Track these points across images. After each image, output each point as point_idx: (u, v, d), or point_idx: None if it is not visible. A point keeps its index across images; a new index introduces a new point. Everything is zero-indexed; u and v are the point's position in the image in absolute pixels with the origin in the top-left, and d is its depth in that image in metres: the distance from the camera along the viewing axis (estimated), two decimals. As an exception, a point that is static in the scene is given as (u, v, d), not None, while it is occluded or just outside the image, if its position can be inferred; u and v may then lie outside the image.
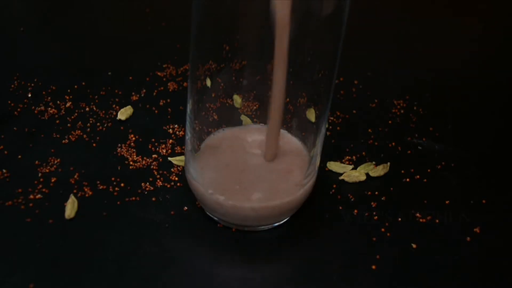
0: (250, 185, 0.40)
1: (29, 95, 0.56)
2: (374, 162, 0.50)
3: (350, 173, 0.48)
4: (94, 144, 0.50)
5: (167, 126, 0.53)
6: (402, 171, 0.50)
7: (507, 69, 0.74)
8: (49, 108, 0.54)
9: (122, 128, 0.52)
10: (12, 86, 0.57)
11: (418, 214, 0.45)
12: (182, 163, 0.48)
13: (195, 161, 0.41)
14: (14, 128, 0.51)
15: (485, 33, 0.84)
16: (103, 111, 0.54)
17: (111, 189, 0.45)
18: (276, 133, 0.39)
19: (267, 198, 0.39)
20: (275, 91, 0.37)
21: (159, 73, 0.62)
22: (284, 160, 0.41)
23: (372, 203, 0.46)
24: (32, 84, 0.57)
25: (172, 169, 0.47)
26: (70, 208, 0.42)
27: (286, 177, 0.41)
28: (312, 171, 0.41)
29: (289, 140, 0.43)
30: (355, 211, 0.45)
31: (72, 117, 0.53)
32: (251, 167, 0.41)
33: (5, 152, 0.47)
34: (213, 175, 0.40)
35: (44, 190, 0.44)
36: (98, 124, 0.52)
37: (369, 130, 0.55)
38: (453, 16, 0.89)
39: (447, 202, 0.47)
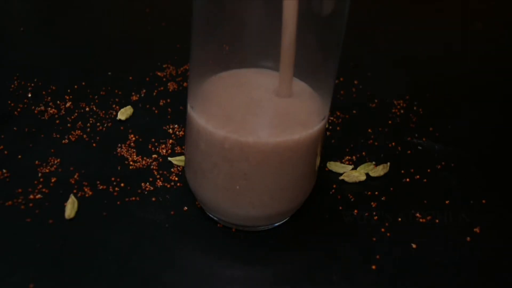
0: (261, 118, 0.38)
1: (29, 95, 0.56)
2: (374, 162, 0.50)
3: (350, 173, 0.48)
4: (94, 144, 0.50)
5: (167, 126, 0.53)
6: (402, 171, 0.50)
7: (507, 69, 0.74)
8: (49, 108, 0.54)
9: (122, 128, 0.52)
10: (12, 86, 0.57)
11: (418, 214, 0.45)
12: (182, 163, 0.48)
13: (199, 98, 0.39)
14: (14, 128, 0.51)
15: (486, 32, 0.84)
16: (103, 111, 0.54)
17: (111, 189, 0.45)
18: (290, 62, 0.36)
19: (282, 131, 0.37)
20: (286, 15, 0.34)
21: (159, 73, 0.62)
22: (295, 97, 0.39)
23: (372, 203, 0.46)
24: (32, 84, 0.57)
25: (172, 169, 0.47)
26: (70, 208, 0.42)
27: (299, 113, 0.38)
28: (325, 112, 0.39)
29: (298, 83, 0.40)
30: (355, 211, 0.45)
31: (72, 117, 0.53)
32: (262, 102, 0.39)
33: (5, 152, 0.47)
34: (220, 111, 0.38)
35: (44, 190, 0.44)
36: (98, 124, 0.52)
37: (369, 130, 0.55)
38: (453, 17, 0.89)
39: (447, 202, 0.47)
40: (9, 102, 0.54)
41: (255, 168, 0.37)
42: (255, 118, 0.38)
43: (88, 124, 0.52)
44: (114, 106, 0.55)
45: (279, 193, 0.39)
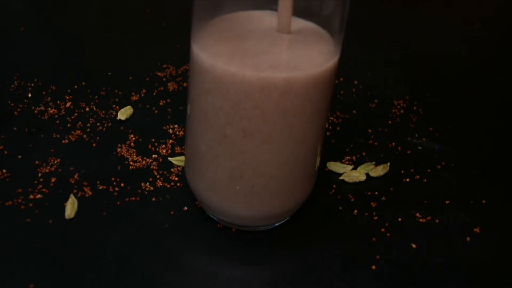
0: (266, 54, 0.35)
1: (29, 95, 0.56)
2: (374, 162, 0.50)
3: (350, 173, 0.48)
4: (94, 144, 0.50)
5: (167, 126, 0.53)
6: (402, 171, 0.50)
7: (507, 68, 0.74)
8: (49, 108, 0.54)
9: (122, 128, 0.52)
10: (12, 86, 0.57)
11: (418, 214, 0.45)
12: (182, 163, 0.48)
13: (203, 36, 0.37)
14: (14, 128, 0.51)
15: (486, 32, 0.84)
16: (103, 111, 0.54)
17: (111, 189, 0.45)
18: None
19: (294, 67, 0.35)
20: None
21: (159, 73, 0.62)
22: (303, 33, 0.37)
23: (372, 203, 0.46)
24: (32, 84, 0.57)
25: (172, 169, 0.47)
26: (70, 208, 0.42)
27: (309, 48, 0.36)
28: (336, 50, 0.37)
29: (305, 23, 0.38)
30: (355, 211, 0.45)
31: (72, 117, 0.53)
32: (267, 38, 0.37)
33: (5, 152, 0.47)
34: (224, 48, 0.36)
35: (44, 190, 0.44)
36: (98, 124, 0.52)
37: (369, 130, 0.55)
38: (453, 16, 0.89)
39: (447, 202, 0.47)
40: (9, 102, 0.54)
41: (258, 148, 0.36)
42: (260, 54, 0.35)
43: (88, 124, 0.52)
44: (114, 106, 0.55)
45: (279, 192, 0.39)
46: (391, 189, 0.48)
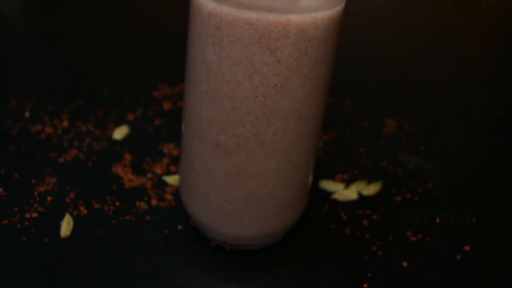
0: None
1: (26, 115, 0.56)
2: (366, 181, 0.51)
3: (342, 192, 0.49)
4: (89, 163, 0.50)
5: (162, 146, 0.54)
6: (394, 190, 0.50)
7: (497, 87, 0.75)
8: (46, 127, 0.54)
9: (117, 147, 0.53)
10: (10, 104, 0.58)
11: (409, 233, 0.46)
12: (176, 182, 0.48)
13: None
14: (12, 147, 0.51)
15: (477, 52, 0.85)
16: (99, 130, 0.55)
17: (106, 208, 0.45)
18: None
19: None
20: None
21: (154, 93, 0.63)
22: None
23: (364, 222, 0.46)
24: (30, 103, 0.58)
25: (166, 188, 0.48)
26: (66, 227, 0.42)
27: None
28: None
29: None
30: (347, 229, 0.45)
31: (69, 136, 0.54)
32: None
33: (2, 170, 0.48)
34: None
35: (40, 209, 0.44)
36: (94, 143, 0.53)
37: (361, 149, 0.56)
38: (445, 36, 0.90)
39: (437, 220, 0.47)
40: (6, 121, 0.55)
41: (252, 156, 0.36)
42: None
43: (84, 143, 0.53)
44: (110, 125, 0.56)
45: (272, 210, 0.40)
46: (383, 207, 0.48)
